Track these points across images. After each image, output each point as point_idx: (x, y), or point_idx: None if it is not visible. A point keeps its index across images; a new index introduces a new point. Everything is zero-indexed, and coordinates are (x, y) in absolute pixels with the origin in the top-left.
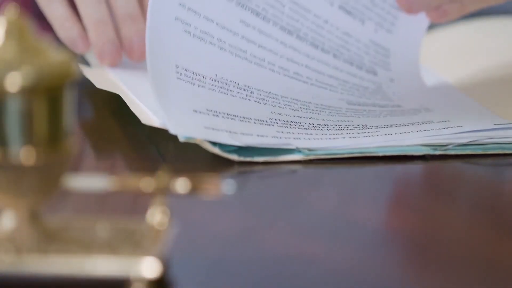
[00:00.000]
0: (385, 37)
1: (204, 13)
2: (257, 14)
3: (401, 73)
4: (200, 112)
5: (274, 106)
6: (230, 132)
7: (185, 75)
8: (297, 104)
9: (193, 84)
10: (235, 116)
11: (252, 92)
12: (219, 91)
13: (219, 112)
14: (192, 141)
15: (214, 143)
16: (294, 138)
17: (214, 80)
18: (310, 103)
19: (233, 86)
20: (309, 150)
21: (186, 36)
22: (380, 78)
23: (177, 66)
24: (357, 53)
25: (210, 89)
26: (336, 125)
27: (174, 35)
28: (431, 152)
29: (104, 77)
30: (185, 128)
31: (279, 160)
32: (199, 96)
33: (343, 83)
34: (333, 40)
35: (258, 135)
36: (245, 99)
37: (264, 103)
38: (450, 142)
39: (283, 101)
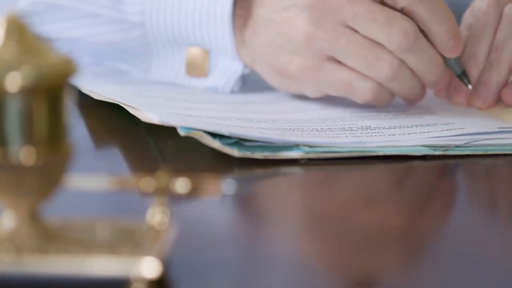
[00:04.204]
0: None
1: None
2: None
3: None
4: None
5: (275, 123)
6: (230, 125)
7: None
8: (300, 120)
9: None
10: (236, 118)
11: (252, 119)
12: (215, 120)
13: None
14: (192, 135)
15: (214, 137)
16: (296, 136)
17: (210, 117)
18: (313, 118)
19: (231, 118)
20: (310, 147)
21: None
22: None
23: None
24: None
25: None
26: (340, 128)
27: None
28: (432, 153)
29: (101, 91)
30: (185, 121)
31: (279, 157)
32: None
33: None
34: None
35: (260, 132)
36: (246, 127)
37: (266, 123)
38: (451, 143)
39: (285, 122)
